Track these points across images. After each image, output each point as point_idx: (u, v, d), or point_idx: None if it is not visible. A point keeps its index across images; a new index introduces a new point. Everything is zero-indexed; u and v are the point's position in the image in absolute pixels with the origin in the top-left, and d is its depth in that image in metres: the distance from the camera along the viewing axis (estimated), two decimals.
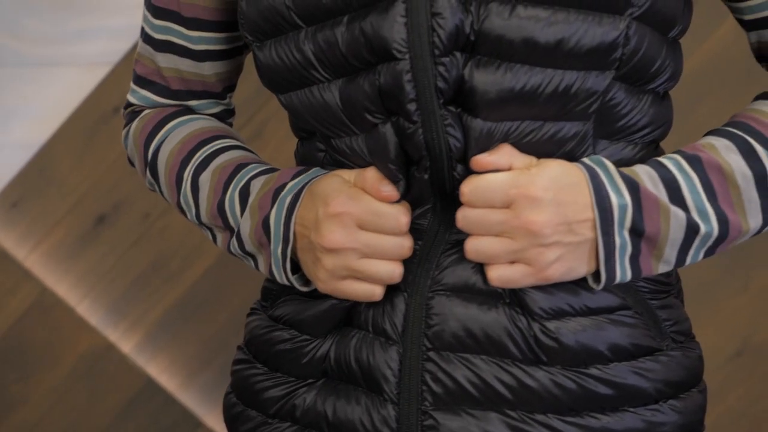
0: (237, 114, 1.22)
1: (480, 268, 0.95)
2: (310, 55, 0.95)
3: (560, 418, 0.96)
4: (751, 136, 0.97)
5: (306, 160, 1.05)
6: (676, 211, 0.93)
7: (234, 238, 1.04)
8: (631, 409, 0.98)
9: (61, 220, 2.34)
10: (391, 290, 0.97)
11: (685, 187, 0.94)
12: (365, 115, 0.94)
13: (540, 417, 0.96)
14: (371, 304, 0.98)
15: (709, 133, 1.00)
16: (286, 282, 1.01)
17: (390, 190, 0.94)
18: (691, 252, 0.95)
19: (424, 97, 0.91)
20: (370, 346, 0.98)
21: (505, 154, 0.92)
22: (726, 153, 0.96)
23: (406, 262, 0.96)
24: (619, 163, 0.97)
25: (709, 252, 0.97)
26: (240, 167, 1.05)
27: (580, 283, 0.96)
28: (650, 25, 0.94)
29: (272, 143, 2.22)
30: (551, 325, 0.95)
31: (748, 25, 1.05)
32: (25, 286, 2.34)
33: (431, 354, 0.96)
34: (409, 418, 0.96)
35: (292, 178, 1.00)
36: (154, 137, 1.12)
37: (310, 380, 1.02)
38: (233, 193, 1.03)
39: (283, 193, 0.99)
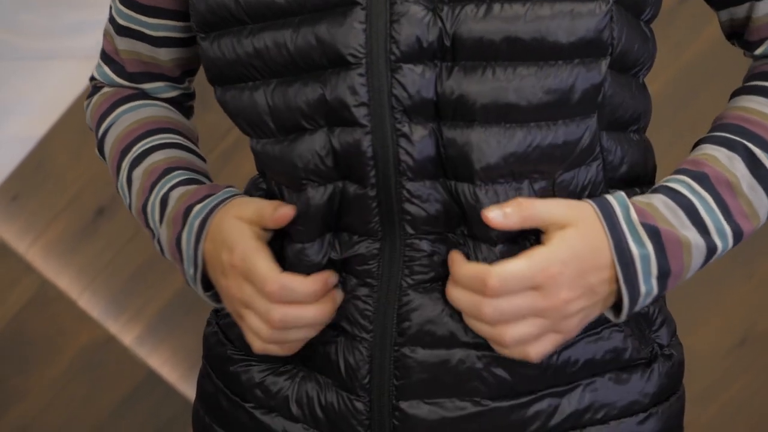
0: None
1: (442, 313, 0.93)
2: (251, 52, 0.94)
3: None
4: (747, 139, 0.96)
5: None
6: (697, 241, 0.92)
7: (155, 242, 1.06)
8: (608, 423, 0.98)
9: (60, 213, 2.34)
10: (350, 339, 0.96)
11: (702, 210, 0.93)
12: (299, 119, 0.92)
13: None
14: (325, 354, 0.97)
15: (705, 140, 0.99)
16: (201, 296, 1.03)
17: (285, 210, 0.94)
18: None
19: (375, 101, 0.89)
20: (336, 396, 0.97)
21: (515, 213, 0.90)
22: (730, 164, 0.95)
23: (361, 308, 0.94)
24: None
25: None
26: (167, 171, 1.06)
27: None
28: (625, 8, 0.93)
29: None
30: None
31: (718, 5, 1.05)
32: (26, 279, 2.34)
33: (401, 404, 0.95)
34: None
35: (200, 200, 1.01)
36: (105, 119, 1.15)
37: (273, 413, 1.02)
38: (155, 199, 1.04)
39: (191, 216, 1.00)
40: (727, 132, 0.98)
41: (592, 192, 0.95)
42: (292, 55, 0.91)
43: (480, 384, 0.94)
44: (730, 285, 2.25)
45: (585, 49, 0.90)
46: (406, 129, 0.90)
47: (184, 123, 1.17)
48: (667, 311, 1.06)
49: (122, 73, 1.17)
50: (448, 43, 0.88)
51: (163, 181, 1.05)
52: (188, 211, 1.00)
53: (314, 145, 0.92)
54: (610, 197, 0.92)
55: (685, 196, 0.93)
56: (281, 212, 0.94)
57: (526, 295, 0.89)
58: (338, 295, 0.95)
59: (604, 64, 0.91)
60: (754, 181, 0.95)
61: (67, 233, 2.34)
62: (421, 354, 0.94)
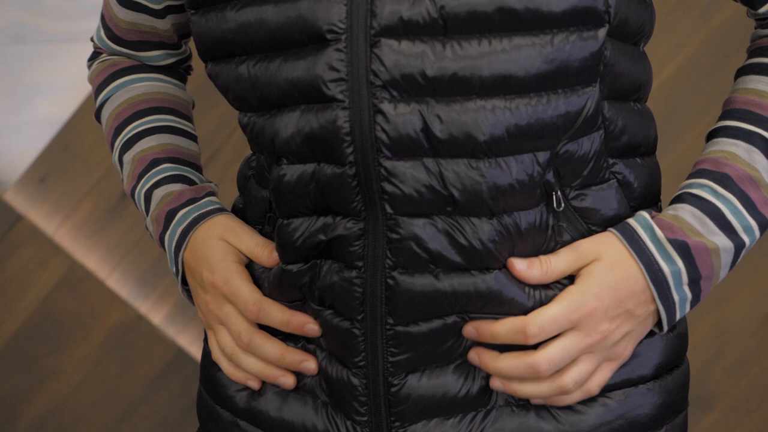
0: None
1: (433, 289, 0.92)
2: (234, 27, 0.94)
3: (537, 413, 0.96)
4: (763, 127, 0.97)
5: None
6: (724, 244, 0.95)
7: (145, 224, 1.11)
8: (609, 396, 0.98)
9: (87, 194, 2.35)
10: (343, 320, 0.95)
11: (728, 212, 0.95)
12: (279, 95, 0.92)
13: (517, 412, 0.96)
14: (329, 329, 0.97)
15: (719, 132, 0.99)
16: (180, 291, 1.09)
17: (273, 258, 0.99)
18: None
19: (353, 76, 0.88)
20: (337, 370, 0.97)
21: (536, 269, 0.92)
22: (749, 158, 0.96)
23: (351, 290, 0.94)
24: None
25: None
26: (154, 163, 1.10)
27: None
28: None
29: None
30: None
31: None
32: (55, 260, 2.35)
33: (396, 379, 0.95)
34: None
35: (184, 206, 1.06)
36: (102, 91, 1.18)
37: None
38: (140, 191, 1.09)
39: (173, 222, 1.05)
40: (741, 120, 0.98)
41: (595, 162, 0.95)
42: (273, 30, 0.91)
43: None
44: (763, 257, 2.23)
45: (580, 17, 0.89)
46: (383, 105, 0.88)
47: (177, 97, 1.18)
48: None
49: (118, 40, 1.18)
50: (436, 16, 0.87)
51: (149, 174, 1.09)
52: (171, 215, 1.06)
53: (290, 122, 0.92)
54: (631, 221, 0.94)
55: (710, 203, 0.95)
56: (276, 255, 0.99)
57: (570, 337, 0.92)
58: (309, 364, 0.98)
59: (602, 32, 0.90)
60: None
61: (95, 214, 2.35)
62: (416, 329, 0.94)
